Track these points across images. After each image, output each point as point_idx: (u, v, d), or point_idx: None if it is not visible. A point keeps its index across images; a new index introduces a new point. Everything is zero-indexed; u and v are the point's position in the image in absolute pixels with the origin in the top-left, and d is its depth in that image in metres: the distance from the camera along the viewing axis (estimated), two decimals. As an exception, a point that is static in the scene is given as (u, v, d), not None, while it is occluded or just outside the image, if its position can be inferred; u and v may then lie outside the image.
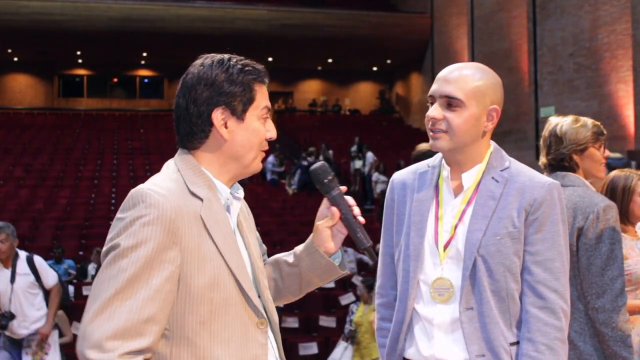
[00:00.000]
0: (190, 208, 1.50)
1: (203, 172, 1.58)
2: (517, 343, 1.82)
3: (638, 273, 2.79)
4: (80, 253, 10.85)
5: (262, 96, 1.63)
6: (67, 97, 26.61)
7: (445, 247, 1.86)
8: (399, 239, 1.95)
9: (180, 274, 1.46)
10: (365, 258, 10.28)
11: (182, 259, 1.46)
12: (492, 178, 1.85)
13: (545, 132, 2.69)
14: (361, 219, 1.72)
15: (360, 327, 6.47)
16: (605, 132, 2.68)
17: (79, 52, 23.74)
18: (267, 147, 1.65)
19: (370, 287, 6.45)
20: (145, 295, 1.41)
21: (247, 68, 1.61)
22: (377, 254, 1.79)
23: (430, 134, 1.87)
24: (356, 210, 1.72)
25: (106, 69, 25.97)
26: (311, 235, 1.79)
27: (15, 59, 24.24)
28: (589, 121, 2.66)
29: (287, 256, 1.83)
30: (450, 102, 1.83)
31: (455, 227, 1.85)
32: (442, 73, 1.89)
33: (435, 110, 1.84)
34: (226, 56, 1.62)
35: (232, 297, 1.51)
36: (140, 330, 1.40)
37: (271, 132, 1.64)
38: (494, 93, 1.87)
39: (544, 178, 1.86)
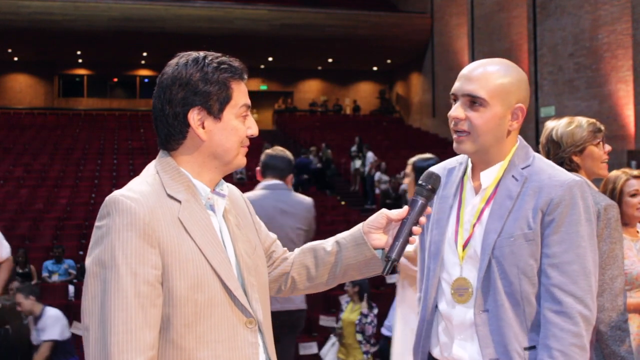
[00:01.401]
0: (167, 211, 1.48)
1: (182, 173, 1.55)
2: (532, 348, 1.76)
3: (633, 273, 2.79)
4: (80, 253, 10.84)
5: (239, 94, 1.57)
6: (67, 97, 26.63)
7: (464, 246, 1.82)
8: (427, 236, 1.94)
9: (163, 276, 1.45)
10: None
11: (163, 261, 1.45)
12: (512, 176, 1.79)
13: (542, 139, 2.69)
14: (413, 238, 1.70)
15: (346, 326, 6.44)
16: (602, 128, 2.66)
17: (79, 52, 23.74)
18: (248, 143, 1.62)
19: (359, 285, 6.48)
20: (136, 303, 1.40)
21: (222, 66, 1.56)
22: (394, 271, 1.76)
23: (454, 136, 1.81)
24: (417, 229, 1.69)
25: (106, 69, 25.98)
26: (359, 226, 1.77)
27: (15, 59, 24.24)
28: (583, 120, 2.64)
29: (324, 243, 1.81)
30: (474, 101, 1.77)
31: (474, 226, 1.81)
32: (466, 70, 1.82)
33: (457, 110, 1.78)
34: (202, 54, 1.58)
35: (217, 297, 1.49)
36: (141, 338, 1.40)
37: (252, 128, 1.60)
38: (519, 91, 1.82)
39: (565, 176, 1.77)
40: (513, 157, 1.82)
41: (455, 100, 1.81)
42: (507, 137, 1.82)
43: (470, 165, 1.88)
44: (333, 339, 6.62)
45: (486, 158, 1.82)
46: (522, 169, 1.80)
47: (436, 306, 1.89)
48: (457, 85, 1.81)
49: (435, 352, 1.89)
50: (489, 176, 1.82)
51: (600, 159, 2.63)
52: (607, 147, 2.67)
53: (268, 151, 4.15)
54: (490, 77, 1.78)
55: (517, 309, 1.74)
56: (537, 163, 1.81)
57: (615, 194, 2.87)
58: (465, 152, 1.81)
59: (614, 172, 2.95)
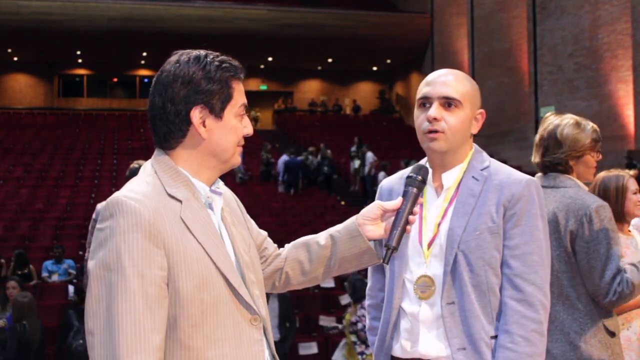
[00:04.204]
0: (169, 210, 1.47)
1: (180, 172, 1.55)
2: None
3: None
4: (80, 253, 10.83)
5: (239, 93, 1.59)
6: (67, 97, 26.64)
7: (429, 245, 1.90)
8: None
9: (168, 277, 1.44)
10: None
11: (169, 262, 1.44)
12: (473, 177, 1.91)
13: (543, 132, 2.65)
14: (409, 227, 1.78)
15: (347, 327, 6.48)
16: (601, 138, 2.66)
17: (79, 52, 23.75)
18: (243, 143, 1.63)
19: (352, 286, 6.51)
20: (144, 305, 1.39)
21: (224, 65, 1.56)
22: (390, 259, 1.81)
23: (429, 135, 1.89)
24: (412, 218, 1.77)
25: (106, 69, 25.99)
26: (353, 218, 1.80)
27: (15, 59, 24.25)
28: (588, 126, 2.63)
29: (317, 237, 1.83)
30: (450, 103, 1.88)
31: (439, 225, 1.90)
32: (436, 77, 1.93)
33: (436, 110, 1.88)
34: (202, 52, 1.58)
35: (223, 296, 1.49)
36: (150, 340, 1.39)
37: (248, 128, 1.61)
38: (479, 99, 1.97)
39: (522, 175, 1.90)
40: (471, 160, 1.95)
41: (425, 104, 1.92)
42: (468, 140, 1.95)
43: (429, 169, 1.97)
44: (345, 340, 6.66)
45: (449, 160, 1.93)
46: (481, 170, 1.92)
47: (400, 306, 1.95)
48: (429, 90, 1.91)
49: (397, 351, 1.95)
50: (451, 177, 1.93)
51: (592, 167, 2.65)
52: (600, 156, 2.68)
53: (132, 165, 4.73)
54: (460, 82, 1.92)
55: (483, 299, 1.83)
56: (494, 165, 1.94)
57: (621, 191, 2.86)
58: (439, 149, 1.90)
59: (607, 174, 2.94)
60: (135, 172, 4.65)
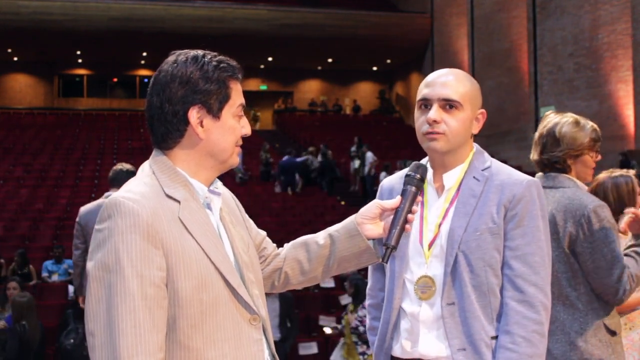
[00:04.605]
0: (167, 211, 1.47)
1: (178, 172, 1.55)
2: None
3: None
4: (80, 253, 10.84)
5: (237, 93, 1.59)
6: (67, 97, 26.65)
7: (430, 245, 1.90)
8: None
9: (167, 277, 1.44)
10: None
11: (167, 262, 1.44)
12: (474, 177, 1.90)
13: (542, 129, 2.63)
14: (408, 226, 1.77)
15: (347, 326, 6.48)
16: (601, 137, 2.64)
17: (79, 52, 23.75)
18: (241, 143, 1.63)
19: (355, 285, 6.50)
20: (144, 306, 1.39)
21: (222, 65, 1.56)
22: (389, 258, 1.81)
23: (428, 136, 1.89)
24: (411, 216, 1.77)
25: (106, 69, 25.99)
26: (352, 217, 1.80)
27: (15, 59, 24.25)
28: (588, 125, 2.60)
29: (316, 237, 1.82)
30: (450, 104, 1.88)
31: (439, 225, 1.90)
32: (436, 78, 1.92)
33: (436, 113, 1.87)
34: (200, 52, 1.58)
35: (222, 296, 1.49)
36: (150, 340, 1.39)
37: (246, 128, 1.61)
38: (480, 98, 1.96)
39: (523, 176, 1.90)
40: (472, 160, 1.95)
41: (426, 105, 1.91)
42: (469, 141, 1.95)
43: (430, 169, 1.97)
44: (342, 340, 6.66)
45: (449, 160, 1.93)
46: (482, 170, 1.92)
47: (400, 306, 1.95)
48: (429, 91, 1.90)
49: (395, 351, 1.95)
50: (452, 178, 1.93)
51: (590, 167, 2.62)
52: (599, 157, 2.65)
53: (115, 167, 4.96)
54: (461, 82, 1.91)
55: (483, 300, 1.83)
56: (495, 165, 1.94)
57: (632, 192, 2.85)
58: (439, 150, 1.90)
59: (615, 172, 2.93)
60: (118, 174, 4.76)
